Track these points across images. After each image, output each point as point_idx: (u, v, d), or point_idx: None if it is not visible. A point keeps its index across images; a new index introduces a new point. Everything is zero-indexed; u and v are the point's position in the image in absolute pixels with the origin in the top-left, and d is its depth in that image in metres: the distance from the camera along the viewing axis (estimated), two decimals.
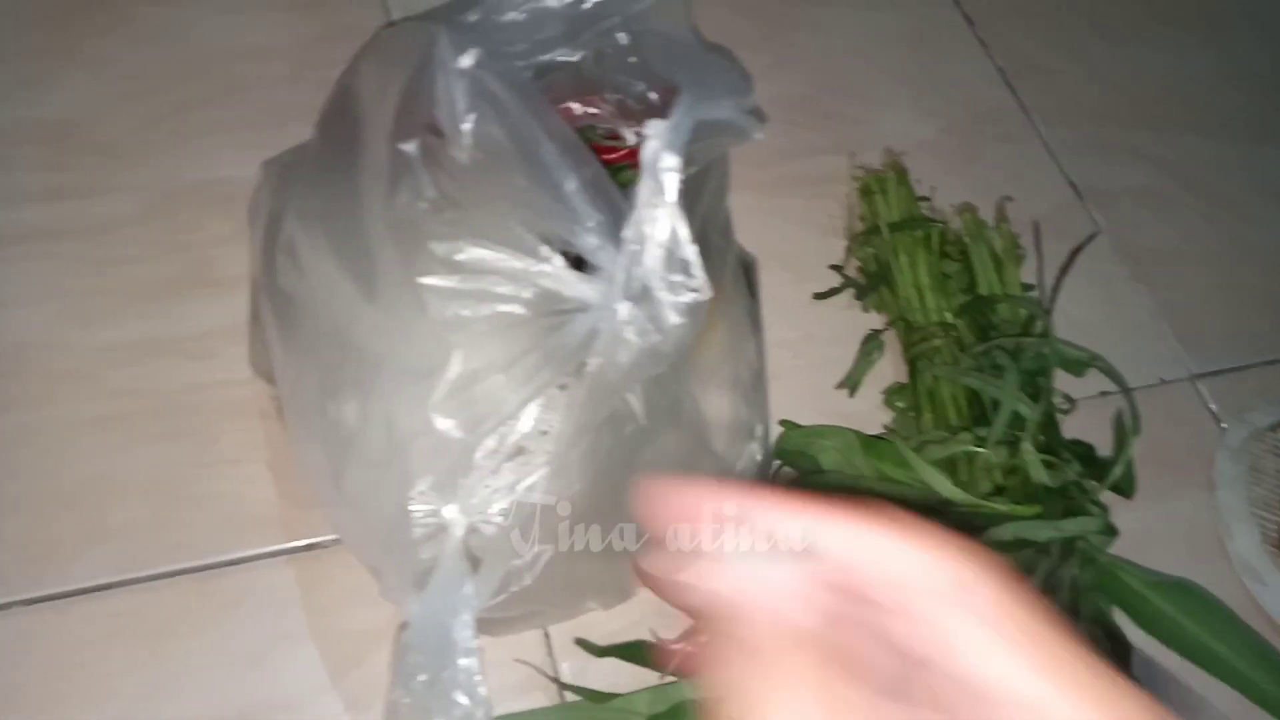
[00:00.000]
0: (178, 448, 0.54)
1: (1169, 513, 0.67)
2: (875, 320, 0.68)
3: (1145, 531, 0.61)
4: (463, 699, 0.39)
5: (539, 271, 0.38)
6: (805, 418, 0.61)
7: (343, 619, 0.51)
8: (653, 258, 0.36)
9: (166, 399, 0.55)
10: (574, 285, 0.37)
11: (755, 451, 0.57)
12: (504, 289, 0.39)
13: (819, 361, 0.66)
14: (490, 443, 0.42)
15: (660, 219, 0.36)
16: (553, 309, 0.38)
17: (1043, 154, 0.85)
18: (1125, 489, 0.58)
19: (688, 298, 0.37)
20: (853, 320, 0.68)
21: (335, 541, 0.53)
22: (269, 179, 0.51)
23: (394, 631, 0.51)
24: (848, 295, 0.69)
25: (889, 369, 0.66)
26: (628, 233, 0.37)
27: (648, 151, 0.36)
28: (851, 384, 0.65)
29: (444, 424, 0.41)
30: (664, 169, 0.36)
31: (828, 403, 0.64)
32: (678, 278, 0.37)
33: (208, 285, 0.59)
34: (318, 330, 0.44)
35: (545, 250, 0.38)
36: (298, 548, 0.53)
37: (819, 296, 0.69)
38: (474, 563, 0.42)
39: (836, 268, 0.70)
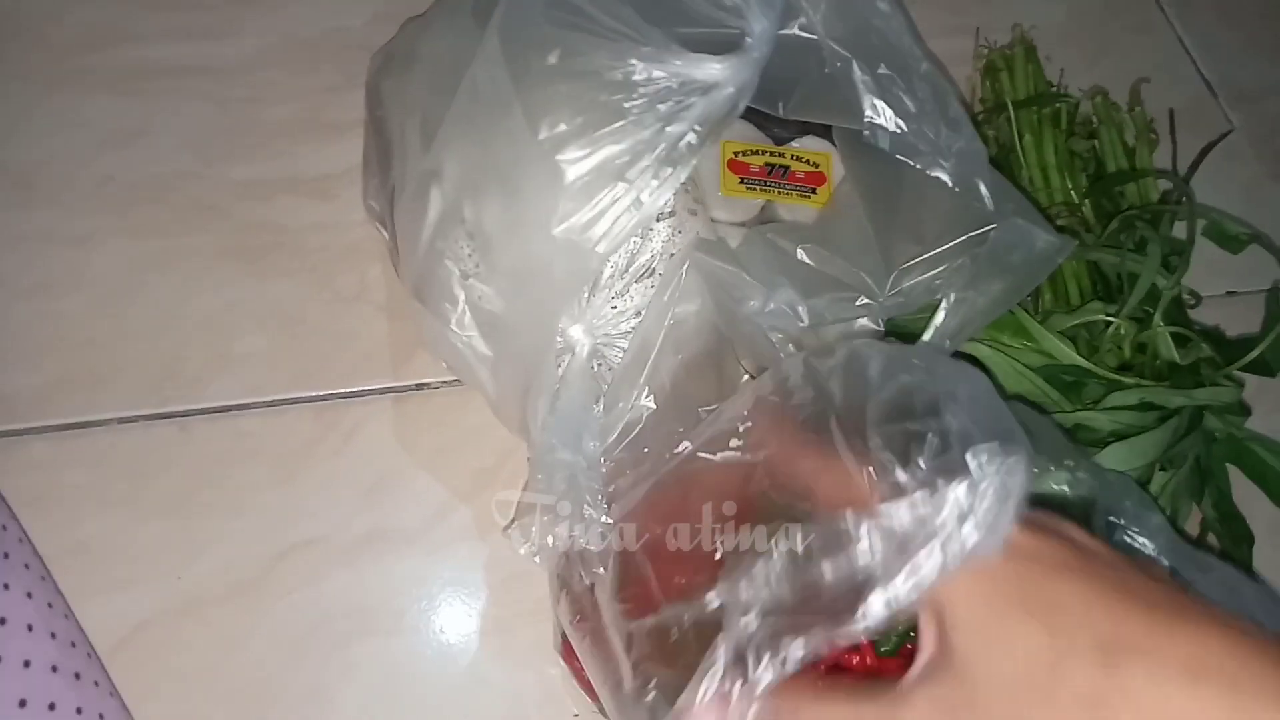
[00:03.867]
0: (300, 283, 0.55)
1: None
2: None
3: (1276, 434, 0.59)
4: (588, 509, 0.39)
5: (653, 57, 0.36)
6: None
7: (454, 456, 0.52)
8: None
9: (291, 235, 0.56)
10: (698, 66, 0.35)
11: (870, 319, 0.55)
12: (613, 91, 0.37)
13: None
14: (619, 261, 0.41)
15: None
16: (673, 97, 0.36)
17: (1176, 48, 0.80)
18: (1272, 366, 0.55)
19: None
20: None
21: (444, 384, 0.54)
22: (403, 33, 0.51)
23: (505, 466, 0.52)
24: None
25: None
26: None
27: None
28: None
29: (564, 239, 0.40)
30: None
31: None
32: None
33: (325, 128, 0.59)
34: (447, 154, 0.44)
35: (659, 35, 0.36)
36: (408, 386, 0.54)
37: None
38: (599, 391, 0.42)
39: None
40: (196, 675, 0.45)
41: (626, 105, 0.36)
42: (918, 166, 0.45)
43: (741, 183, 0.57)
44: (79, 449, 0.49)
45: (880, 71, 0.44)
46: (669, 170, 0.36)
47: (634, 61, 0.35)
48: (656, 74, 0.35)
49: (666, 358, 0.43)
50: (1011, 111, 0.64)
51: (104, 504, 0.48)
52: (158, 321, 0.53)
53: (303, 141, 0.59)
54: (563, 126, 0.36)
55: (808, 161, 0.58)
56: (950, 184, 0.44)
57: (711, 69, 0.36)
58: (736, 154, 0.57)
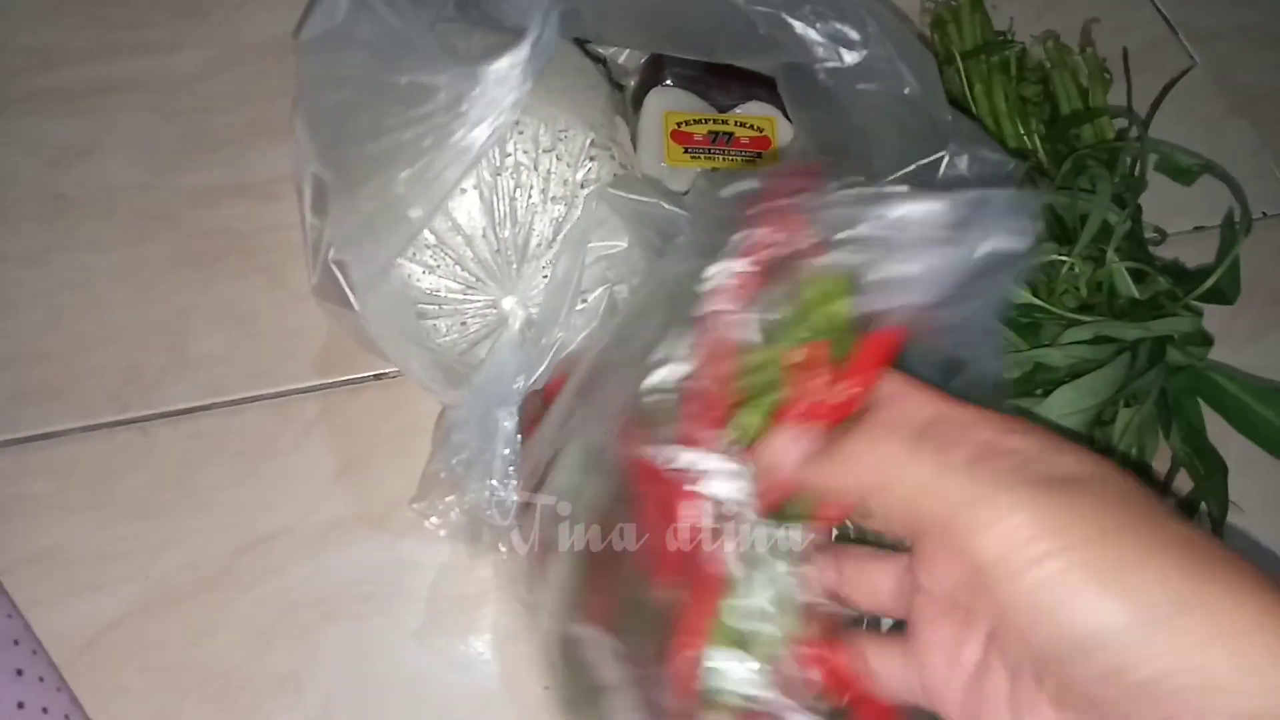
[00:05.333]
0: (252, 284, 0.55)
1: (1271, 348, 0.63)
2: None
3: (1245, 367, 0.58)
4: (494, 482, 0.39)
5: None
6: None
7: (410, 444, 0.52)
8: None
9: (242, 238, 0.57)
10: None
11: None
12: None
13: None
14: (546, 231, 0.41)
15: None
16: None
17: None
18: (1228, 294, 0.54)
19: None
20: None
21: (398, 372, 0.54)
22: None
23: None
24: None
25: None
26: None
27: None
28: None
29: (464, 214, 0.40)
30: None
31: None
32: None
33: (273, 132, 0.60)
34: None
35: None
36: (364, 377, 0.54)
37: None
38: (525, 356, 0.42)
39: None
40: (166, 670, 0.46)
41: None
42: (877, 88, 0.44)
43: (685, 152, 0.57)
44: (40, 460, 0.49)
45: (807, 11, 0.43)
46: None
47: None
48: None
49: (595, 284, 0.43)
50: (959, 62, 0.64)
51: (68, 511, 0.48)
52: (115, 331, 0.53)
53: (251, 146, 0.59)
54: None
55: (752, 126, 0.58)
56: (910, 99, 0.44)
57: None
58: (679, 124, 0.57)
